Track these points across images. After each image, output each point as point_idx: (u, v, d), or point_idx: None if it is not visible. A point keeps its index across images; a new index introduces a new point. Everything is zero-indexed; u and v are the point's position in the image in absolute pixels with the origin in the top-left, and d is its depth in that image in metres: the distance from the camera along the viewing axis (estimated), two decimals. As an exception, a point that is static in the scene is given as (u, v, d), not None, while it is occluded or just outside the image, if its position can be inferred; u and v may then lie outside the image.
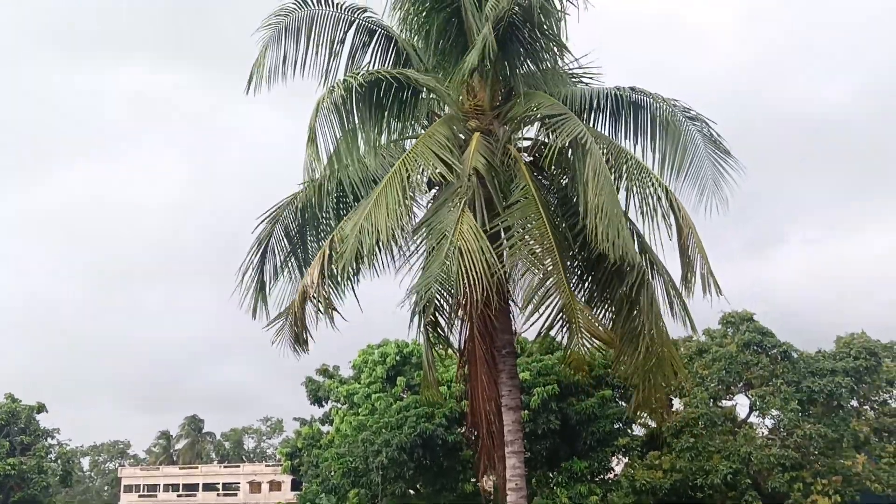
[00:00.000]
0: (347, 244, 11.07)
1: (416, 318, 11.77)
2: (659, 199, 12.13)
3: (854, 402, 30.93)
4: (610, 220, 11.04)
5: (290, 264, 13.87)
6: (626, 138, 13.54)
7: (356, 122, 11.99)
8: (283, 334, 12.54)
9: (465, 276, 10.79)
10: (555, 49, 13.00)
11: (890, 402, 31.23)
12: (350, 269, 11.74)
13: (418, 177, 11.91)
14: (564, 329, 11.73)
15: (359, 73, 12.39)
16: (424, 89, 12.54)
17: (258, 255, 13.58)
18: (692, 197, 12.95)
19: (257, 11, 13.28)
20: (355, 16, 13.63)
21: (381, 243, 11.22)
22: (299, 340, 12.38)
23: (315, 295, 11.82)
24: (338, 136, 11.75)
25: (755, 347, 30.27)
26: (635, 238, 12.66)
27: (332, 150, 11.72)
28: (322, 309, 11.93)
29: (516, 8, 12.11)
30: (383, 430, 28.41)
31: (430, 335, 12.41)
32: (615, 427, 28.89)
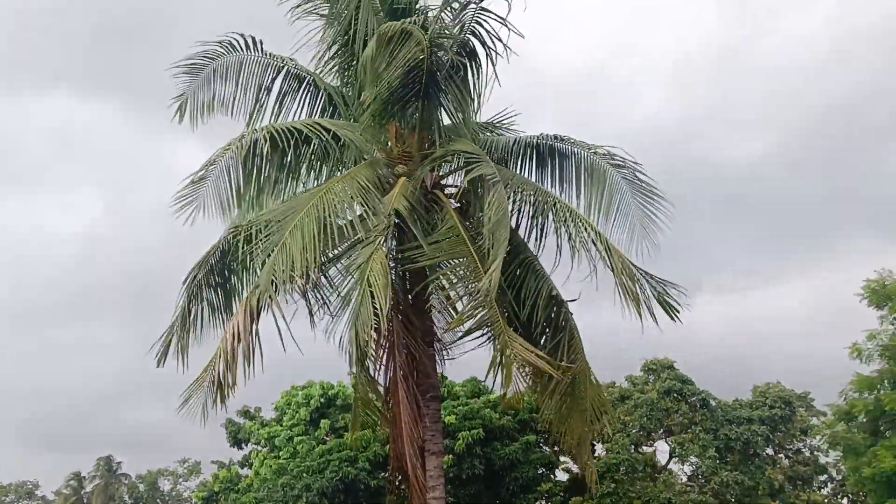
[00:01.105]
0: (262, 277, 11.01)
1: (349, 357, 11.70)
2: (592, 239, 12.40)
3: (769, 451, 31.75)
4: (499, 249, 11.04)
5: (214, 306, 13.68)
6: (552, 185, 13.87)
7: (264, 171, 12.17)
8: (204, 385, 12.08)
9: (385, 316, 10.81)
10: (480, 99, 13.28)
11: (803, 450, 32.14)
12: (271, 306, 11.58)
13: (335, 218, 11.92)
14: (499, 364, 11.63)
15: (263, 128, 12.70)
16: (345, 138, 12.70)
17: (183, 299, 13.34)
18: (621, 241, 13.23)
19: (188, 45, 13.30)
20: (284, 62, 13.78)
21: (295, 279, 11.18)
22: (222, 387, 11.98)
23: (241, 338, 11.62)
24: (240, 187, 11.95)
25: (675, 395, 30.88)
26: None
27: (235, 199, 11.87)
28: (248, 352, 11.73)
29: (436, 59, 12.37)
30: (304, 475, 27.85)
31: (362, 375, 12.35)
32: (539, 472, 28.95)
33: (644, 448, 31.36)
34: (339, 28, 13.22)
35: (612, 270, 12.27)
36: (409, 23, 11.88)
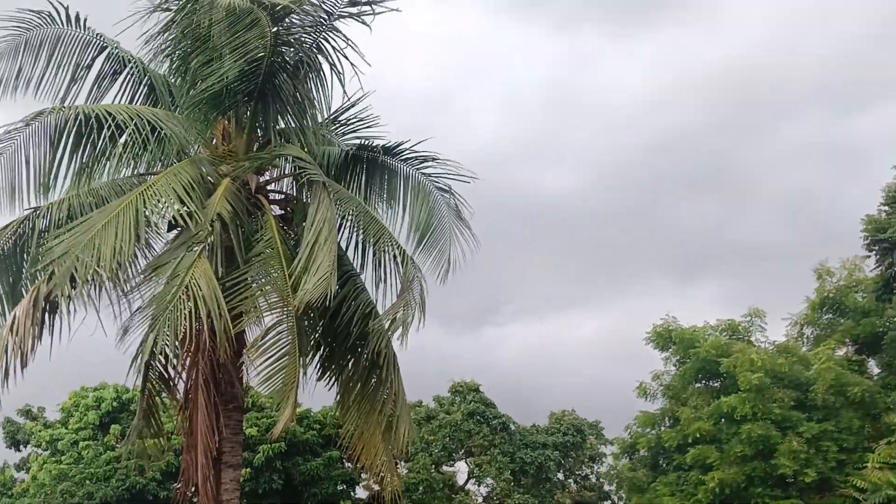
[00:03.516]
0: (62, 266, 10.27)
1: (138, 360, 11.07)
2: (396, 261, 12.51)
3: (560, 475, 33.36)
4: (322, 267, 10.90)
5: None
6: (379, 200, 13.95)
7: (75, 155, 11.52)
8: None
9: (195, 321, 10.39)
10: (317, 107, 13.14)
11: (591, 476, 34.04)
12: (66, 297, 10.76)
13: (155, 215, 11.39)
14: (290, 385, 11.48)
15: (74, 107, 12.01)
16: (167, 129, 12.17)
17: None
18: (437, 262, 13.45)
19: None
20: (107, 43, 13.01)
21: (101, 274, 10.53)
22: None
23: (21, 328, 10.72)
24: (41, 167, 11.23)
25: (478, 417, 31.77)
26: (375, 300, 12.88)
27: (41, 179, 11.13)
28: (29, 344, 10.82)
29: (278, 61, 12.15)
30: (88, 482, 26.12)
31: (152, 380, 11.73)
32: (339, 489, 28.74)
33: (444, 468, 31.98)
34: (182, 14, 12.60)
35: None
36: (260, 7, 11.52)
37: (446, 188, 13.83)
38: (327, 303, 10.93)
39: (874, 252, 23.68)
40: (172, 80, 13.17)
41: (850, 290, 25.14)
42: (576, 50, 60.60)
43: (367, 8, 11.99)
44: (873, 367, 25.54)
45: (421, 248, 13.45)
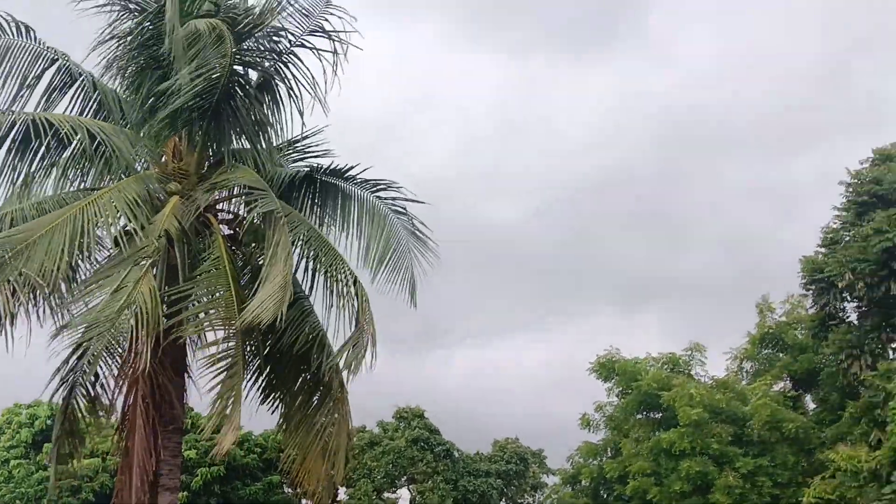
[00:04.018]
0: None
1: (68, 375, 10.83)
2: (347, 285, 12.44)
3: (503, 503, 33.31)
4: (275, 293, 10.80)
5: None
6: (332, 223, 13.87)
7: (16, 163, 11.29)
8: None
9: (136, 338, 10.22)
10: (270, 129, 13.10)
11: (532, 505, 34.09)
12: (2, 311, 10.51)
13: (100, 229, 11.21)
14: (233, 406, 11.31)
15: (17, 112, 11.81)
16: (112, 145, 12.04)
17: None
18: (399, 284, 13.40)
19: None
20: (58, 55, 12.85)
21: (40, 287, 10.32)
22: None
23: None
24: None
25: (422, 444, 31.64)
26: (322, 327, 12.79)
27: None
28: None
29: (237, 81, 12.12)
30: (18, 501, 25.31)
31: (83, 397, 11.49)
32: (278, 514, 28.32)
33: (387, 495, 31.69)
34: (139, 27, 12.47)
35: (356, 322, 12.28)
36: (222, 22, 11.46)
37: (402, 210, 13.83)
38: (279, 323, 10.85)
39: (811, 291, 24.38)
40: (124, 96, 13.03)
41: (789, 326, 25.83)
42: (527, 78, 61.59)
43: (325, 38, 12.07)
44: (809, 402, 26.21)
45: (382, 269, 13.40)
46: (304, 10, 12.64)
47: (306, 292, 13.21)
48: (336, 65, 12.38)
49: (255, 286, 11.09)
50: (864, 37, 61.81)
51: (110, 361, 11.20)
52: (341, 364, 12.17)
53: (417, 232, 13.67)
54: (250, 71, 12.85)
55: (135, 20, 12.35)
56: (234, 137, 13.00)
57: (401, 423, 32.58)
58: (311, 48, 12.31)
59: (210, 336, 11.70)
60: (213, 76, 11.61)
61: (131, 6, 12.44)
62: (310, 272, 13.26)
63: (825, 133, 63.44)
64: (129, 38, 12.22)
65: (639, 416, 25.48)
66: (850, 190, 23.90)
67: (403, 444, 31.13)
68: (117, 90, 13.14)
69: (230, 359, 11.21)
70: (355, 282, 12.55)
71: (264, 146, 13.10)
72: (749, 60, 62.65)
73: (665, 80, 64.07)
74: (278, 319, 10.66)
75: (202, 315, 11.53)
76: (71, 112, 13.01)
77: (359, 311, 12.23)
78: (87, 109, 13.17)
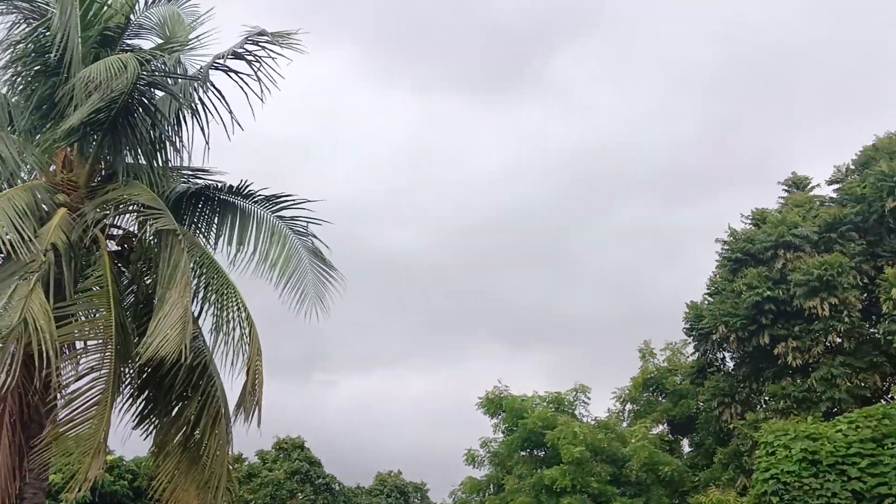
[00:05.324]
0: None
1: None
2: (238, 313, 12.16)
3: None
4: (176, 324, 10.56)
5: None
6: (229, 242, 13.55)
7: None
8: None
9: (46, 357, 9.80)
10: (168, 145, 12.77)
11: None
12: None
13: None
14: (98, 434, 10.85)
15: None
16: None
17: None
18: (291, 308, 13.18)
19: None
20: None
21: None
22: None
23: None
24: None
25: (302, 476, 31.05)
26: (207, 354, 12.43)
27: None
28: None
29: (139, 98, 11.81)
30: None
31: None
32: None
33: (262, 527, 30.84)
34: (34, 33, 11.98)
35: (246, 357, 12.03)
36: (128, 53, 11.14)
37: (303, 230, 13.67)
38: (182, 359, 10.53)
39: (692, 337, 25.47)
40: (14, 101, 12.48)
41: (669, 372, 26.88)
42: (433, 114, 62.44)
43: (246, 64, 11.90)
44: (686, 446, 27.24)
45: (282, 289, 13.21)
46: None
47: (195, 315, 12.85)
48: (251, 90, 12.13)
49: (152, 309, 10.71)
50: (753, 98, 65.70)
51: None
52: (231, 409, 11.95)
53: (318, 251, 13.56)
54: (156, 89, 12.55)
55: (31, 26, 11.93)
56: (129, 152, 12.61)
57: (280, 454, 31.86)
58: (225, 70, 12.06)
59: (81, 357, 11.28)
60: (115, 95, 11.29)
61: (25, 12, 12.02)
62: (199, 298, 12.90)
63: (711, 187, 66.79)
64: (21, 45, 11.77)
65: (523, 453, 25.81)
66: (727, 247, 25.23)
67: (283, 477, 30.42)
68: (6, 95, 12.60)
69: (101, 385, 10.84)
70: (245, 310, 12.29)
71: (160, 164, 12.74)
72: (651, 115, 65.56)
73: (569, 126, 66.21)
74: (182, 353, 10.38)
75: (78, 335, 11.09)
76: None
77: (251, 351, 11.97)
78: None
